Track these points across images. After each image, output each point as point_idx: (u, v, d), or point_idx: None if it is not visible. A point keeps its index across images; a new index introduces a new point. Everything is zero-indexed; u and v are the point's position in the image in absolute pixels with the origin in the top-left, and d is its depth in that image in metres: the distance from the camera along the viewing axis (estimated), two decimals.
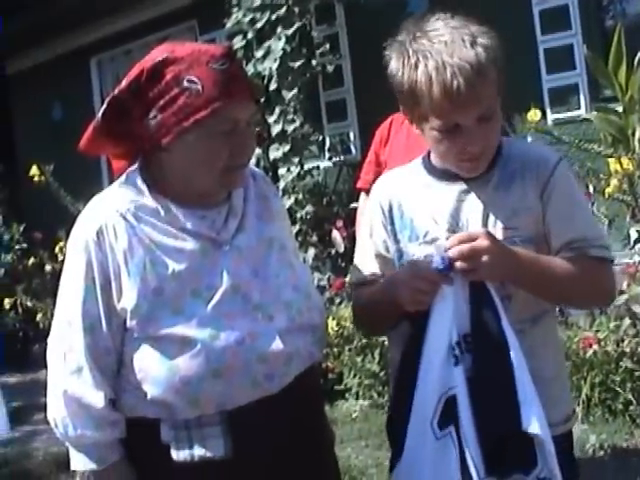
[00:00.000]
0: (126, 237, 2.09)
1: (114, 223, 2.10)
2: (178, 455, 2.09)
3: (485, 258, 2.01)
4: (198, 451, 2.08)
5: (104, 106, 2.13)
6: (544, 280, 2.13)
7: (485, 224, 2.16)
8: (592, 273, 2.14)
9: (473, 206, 2.18)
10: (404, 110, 2.19)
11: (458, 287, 2.06)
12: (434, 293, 2.07)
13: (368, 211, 2.40)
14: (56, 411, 2.13)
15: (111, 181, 2.25)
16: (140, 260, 2.08)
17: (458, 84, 1.99)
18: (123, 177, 2.20)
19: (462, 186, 2.20)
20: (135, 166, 2.19)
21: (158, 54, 2.08)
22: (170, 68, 2.04)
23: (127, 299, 2.07)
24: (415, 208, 2.25)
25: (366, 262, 2.34)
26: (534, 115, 5.60)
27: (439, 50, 2.03)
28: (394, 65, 2.12)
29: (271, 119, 7.86)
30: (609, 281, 2.23)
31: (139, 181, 2.15)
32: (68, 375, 2.10)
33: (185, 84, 2.02)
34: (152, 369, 2.06)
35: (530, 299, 2.17)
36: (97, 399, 2.09)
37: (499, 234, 2.12)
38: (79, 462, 2.15)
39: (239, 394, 2.07)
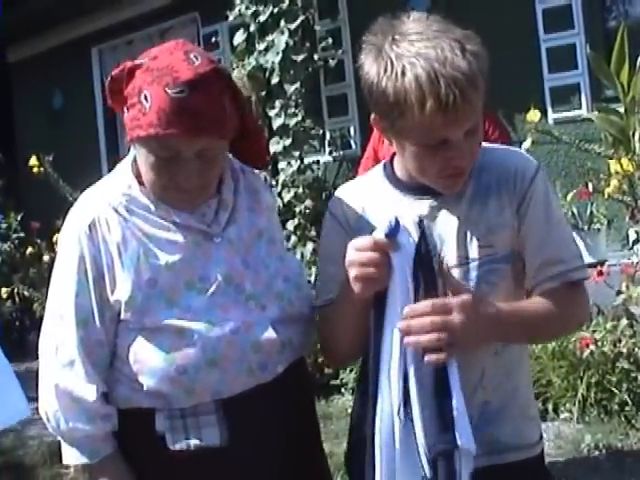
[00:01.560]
0: (119, 230, 2.09)
1: (106, 216, 2.09)
2: (174, 444, 2.10)
3: (458, 334, 1.81)
4: (194, 440, 2.09)
5: (108, 81, 2.11)
6: (526, 331, 1.99)
7: (460, 243, 1.98)
8: (571, 302, 2.01)
9: (446, 224, 2.00)
10: (380, 120, 1.95)
11: (404, 258, 1.86)
12: (383, 265, 1.84)
13: (327, 230, 2.18)
14: (48, 405, 2.13)
15: (109, 171, 2.25)
16: (134, 252, 2.08)
17: (454, 97, 1.79)
18: (116, 169, 2.20)
19: (432, 201, 2.01)
20: (128, 157, 2.18)
21: (146, 56, 2.05)
22: (141, 75, 2.01)
23: (121, 291, 2.07)
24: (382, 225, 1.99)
25: (331, 288, 2.10)
26: (534, 116, 5.59)
27: (428, 57, 1.81)
28: (372, 71, 1.89)
29: (272, 112, 7.85)
30: (586, 304, 2.11)
31: (130, 174, 2.15)
32: (60, 368, 2.10)
33: (141, 97, 1.99)
34: (148, 360, 2.07)
35: None
36: (89, 392, 2.08)
37: (474, 253, 1.98)
38: (71, 456, 2.15)
39: (234, 383, 2.08)
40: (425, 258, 1.87)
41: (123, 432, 2.15)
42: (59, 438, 2.17)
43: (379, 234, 1.85)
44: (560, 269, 1.99)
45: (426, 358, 1.79)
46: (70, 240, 2.12)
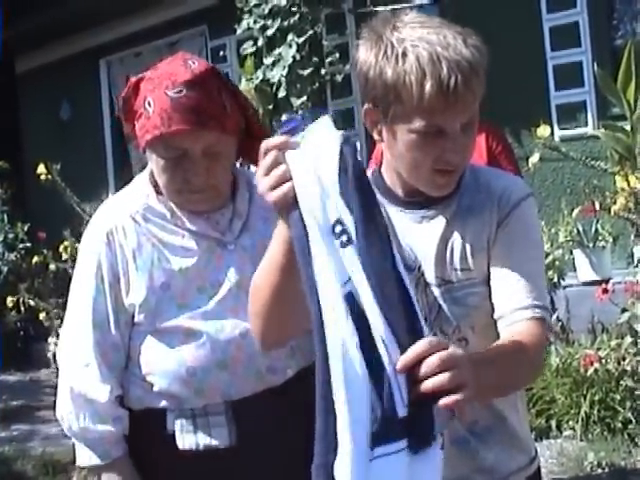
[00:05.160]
0: (135, 236, 2.17)
1: (123, 225, 2.18)
2: (184, 444, 2.16)
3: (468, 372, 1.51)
4: (203, 440, 2.15)
5: (120, 102, 2.22)
6: (501, 378, 1.72)
7: (438, 263, 1.88)
8: (537, 340, 1.80)
9: (426, 242, 1.90)
10: (374, 109, 1.83)
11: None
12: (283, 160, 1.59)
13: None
14: (63, 406, 2.20)
15: (117, 181, 2.31)
16: (148, 257, 2.16)
17: (456, 80, 1.70)
18: (134, 180, 2.30)
19: (415, 215, 1.92)
20: (146, 169, 2.26)
21: (148, 70, 2.17)
22: (144, 86, 2.13)
23: (135, 294, 2.15)
24: None
25: None
26: (544, 131, 5.60)
27: (431, 41, 1.73)
28: (367, 56, 1.79)
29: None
30: (543, 351, 1.90)
31: (147, 184, 2.23)
32: (76, 371, 2.18)
33: (145, 105, 2.10)
34: (160, 361, 2.15)
35: (486, 342, 1.82)
36: (102, 394, 2.15)
37: (453, 276, 1.88)
38: (84, 457, 2.21)
39: (243, 385, 2.14)
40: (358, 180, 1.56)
41: (136, 432, 2.20)
42: (73, 439, 2.23)
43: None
44: (529, 302, 1.82)
45: (441, 402, 1.45)
46: (89, 248, 2.22)
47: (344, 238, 1.52)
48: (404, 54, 1.73)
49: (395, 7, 6.92)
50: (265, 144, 1.62)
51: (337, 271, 1.51)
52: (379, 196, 1.84)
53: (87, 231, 2.26)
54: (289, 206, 1.58)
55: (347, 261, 1.51)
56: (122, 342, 2.18)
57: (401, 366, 1.45)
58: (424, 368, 1.45)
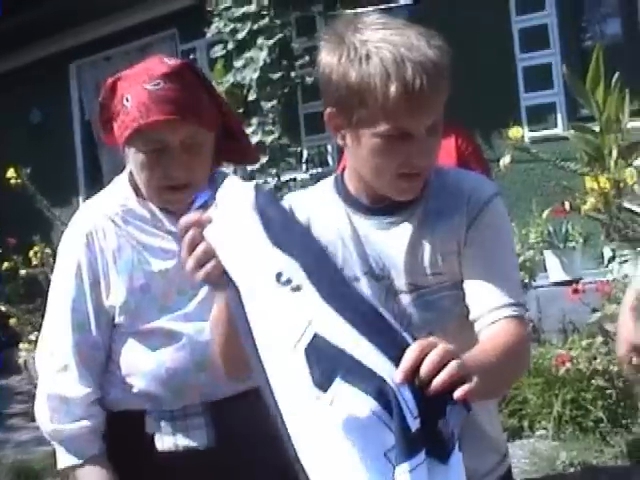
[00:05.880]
0: (115, 238, 2.18)
1: (103, 226, 2.19)
2: (162, 445, 2.17)
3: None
4: (182, 441, 2.16)
5: (98, 108, 2.24)
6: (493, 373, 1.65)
7: (408, 269, 1.85)
8: (518, 339, 1.77)
9: (395, 248, 1.86)
10: (337, 113, 1.79)
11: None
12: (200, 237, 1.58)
13: None
14: (40, 407, 2.20)
15: (87, 186, 2.31)
16: (128, 259, 2.17)
17: (421, 81, 1.66)
18: (113, 182, 2.30)
19: (381, 222, 1.87)
20: (125, 170, 2.26)
21: (122, 70, 2.19)
22: (121, 85, 2.15)
23: (116, 296, 2.16)
24: (328, 240, 1.85)
25: None
26: (516, 132, 5.62)
27: (394, 42, 1.70)
28: (331, 59, 1.75)
29: (249, 130, 7.85)
30: (528, 349, 1.88)
31: (127, 186, 2.24)
32: (54, 373, 2.18)
33: (124, 102, 2.12)
34: (139, 362, 2.16)
35: (462, 344, 1.62)
36: (77, 392, 2.15)
37: (423, 281, 1.85)
38: (62, 458, 2.20)
39: (222, 386, 2.14)
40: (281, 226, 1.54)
41: (115, 435, 2.21)
42: (50, 441, 2.22)
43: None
44: (505, 301, 1.79)
45: (456, 394, 1.41)
46: (68, 249, 2.22)
47: (293, 285, 1.49)
48: (367, 56, 1.69)
49: (367, 10, 6.95)
50: (181, 223, 1.61)
51: (293, 322, 1.47)
52: (343, 204, 1.90)
53: (66, 233, 2.26)
54: (218, 279, 1.57)
55: (304, 305, 1.48)
56: (103, 343, 2.19)
57: (402, 376, 1.40)
58: (425, 368, 1.40)
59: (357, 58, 1.70)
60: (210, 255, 1.57)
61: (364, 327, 1.45)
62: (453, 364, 1.42)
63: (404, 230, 1.86)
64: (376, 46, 1.69)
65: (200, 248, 1.58)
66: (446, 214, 1.85)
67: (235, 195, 1.57)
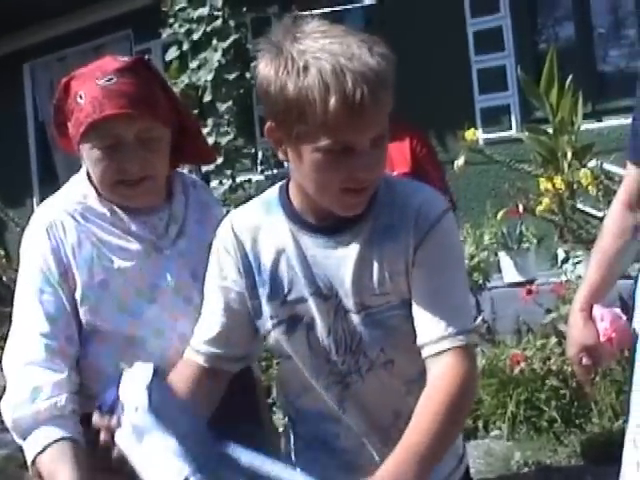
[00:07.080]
0: (74, 233, 2.16)
1: (62, 220, 2.17)
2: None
3: None
4: None
5: (52, 110, 2.23)
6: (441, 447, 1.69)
7: (355, 289, 1.80)
8: (464, 371, 1.74)
9: (342, 268, 1.81)
10: (277, 127, 1.73)
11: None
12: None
13: (217, 257, 1.94)
14: (5, 401, 2.06)
15: (41, 187, 2.30)
16: (88, 254, 2.15)
17: (362, 93, 1.59)
18: (71, 180, 2.28)
19: (328, 242, 1.82)
20: (82, 169, 2.25)
21: (76, 70, 2.18)
22: (74, 83, 2.14)
23: (77, 290, 2.13)
24: (275, 261, 1.85)
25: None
26: (471, 134, 5.66)
27: (333, 51, 1.62)
28: (268, 71, 1.68)
29: (204, 131, 7.83)
30: (470, 380, 1.77)
31: (86, 184, 2.22)
32: (22, 366, 2.06)
33: (77, 99, 2.11)
34: (97, 365, 2.13)
35: (413, 358, 1.80)
36: (41, 379, 2.03)
37: (371, 301, 1.81)
38: (26, 450, 2.03)
39: None
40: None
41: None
42: (15, 436, 2.07)
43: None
44: (450, 330, 1.75)
45: None
46: (31, 244, 2.19)
47: None
48: (305, 68, 1.62)
49: (323, 11, 6.95)
50: (93, 424, 1.66)
51: None
52: (287, 223, 1.85)
53: (27, 231, 2.23)
54: None
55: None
56: (74, 334, 2.12)
57: None
58: None
59: (295, 70, 1.63)
60: (123, 462, 1.63)
61: None
62: None
63: (351, 250, 1.81)
64: (314, 57, 1.62)
65: (114, 455, 1.64)
66: (393, 233, 1.80)
67: (131, 390, 1.65)
